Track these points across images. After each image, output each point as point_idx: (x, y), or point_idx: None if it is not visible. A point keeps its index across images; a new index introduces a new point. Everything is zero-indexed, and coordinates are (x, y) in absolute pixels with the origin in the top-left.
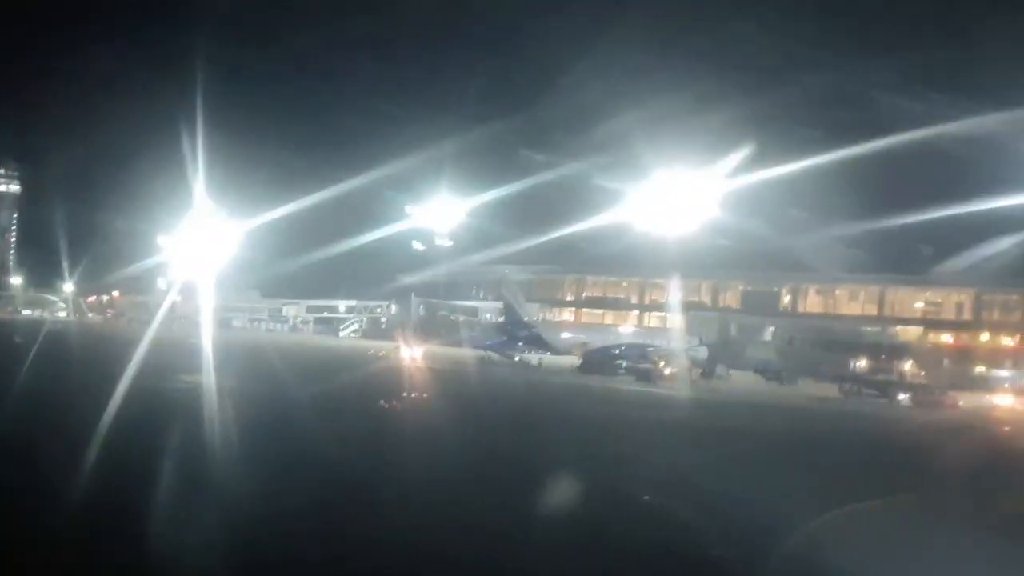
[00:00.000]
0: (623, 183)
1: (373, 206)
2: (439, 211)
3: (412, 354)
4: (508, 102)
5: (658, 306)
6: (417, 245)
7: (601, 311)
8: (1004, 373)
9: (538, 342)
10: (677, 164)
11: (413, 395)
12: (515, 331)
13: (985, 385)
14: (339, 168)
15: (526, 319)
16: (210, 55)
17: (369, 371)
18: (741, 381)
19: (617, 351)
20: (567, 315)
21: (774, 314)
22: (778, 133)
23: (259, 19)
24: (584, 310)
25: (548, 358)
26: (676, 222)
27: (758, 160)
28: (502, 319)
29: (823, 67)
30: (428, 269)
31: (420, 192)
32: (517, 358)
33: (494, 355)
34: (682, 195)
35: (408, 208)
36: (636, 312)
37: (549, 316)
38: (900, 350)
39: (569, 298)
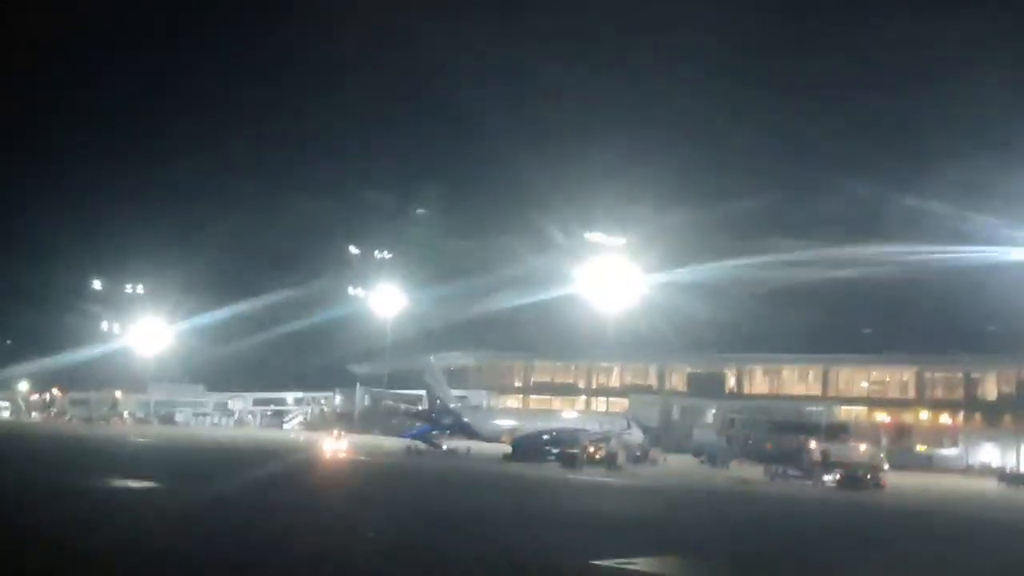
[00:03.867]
0: (571, 267)
1: (319, 296)
2: (385, 298)
3: (336, 446)
4: (453, 188)
5: (605, 390)
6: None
7: (548, 396)
8: (947, 452)
9: (465, 429)
10: (624, 249)
11: (298, 491)
12: (440, 418)
13: (928, 464)
14: (284, 258)
15: (452, 405)
16: (149, 143)
17: (275, 465)
18: (675, 464)
19: (547, 437)
20: (512, 401)
21: (719, 396)
22: (724, 216)
23: (201, 106)
24: (531, 396)
25: (479, 445)
26: (622, 306)
27: (706, 244)
28: (425, 407)
29: (763, 156)
30: (375, 359)
31: (366, 279)
32: (445, 446)
33: (420, 444)
34: (629, 279)
35: (351, 289)
36: (583, 396)
37: (495, 402)
38: (838, 429)
39: (516, 383)
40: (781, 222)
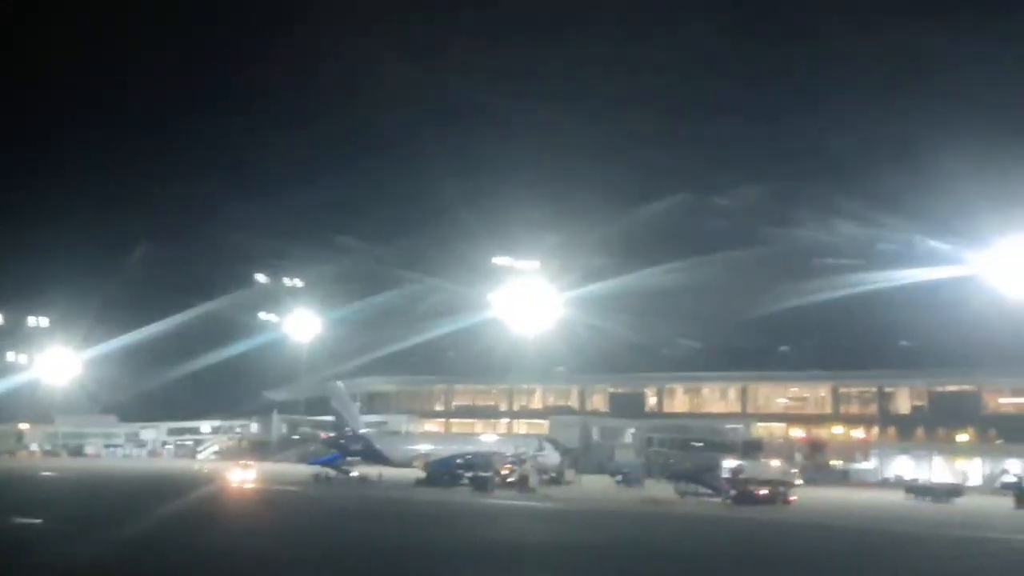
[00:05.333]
0: (489, 291)
1: (234, 323)
2: (301, 324)
3: (243, 477)
4: (367, 214)
5: (526, 412)
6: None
7: (470, 420)
8: (862, 465)
9: (376, 455)
10: (539, 271)
11: (182, 527)
12: (349, 444)
13: (844, 478)
14: (194, 285)
15: (362, 431)
16: (51, 167)
17: (173, 499)
18: (591, 485)
19: (461, 461)
20: (433, 426)
21: (640, 415)
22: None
23: (107, 131)
24: (453, 420)
25: (392, 471)
26: (542, 328)
27: (622, 263)
28: (333, 433)
29: (677, 175)
30: (292, 385)
31: (280, 305)
32: (355, 473)
33: (330, 471)
34: (546, 301)
35: (264, 315)
36: (505, 419)
37: (415, 427)
38: (752, 447)
39: (438, 408)
40: (696, 241)
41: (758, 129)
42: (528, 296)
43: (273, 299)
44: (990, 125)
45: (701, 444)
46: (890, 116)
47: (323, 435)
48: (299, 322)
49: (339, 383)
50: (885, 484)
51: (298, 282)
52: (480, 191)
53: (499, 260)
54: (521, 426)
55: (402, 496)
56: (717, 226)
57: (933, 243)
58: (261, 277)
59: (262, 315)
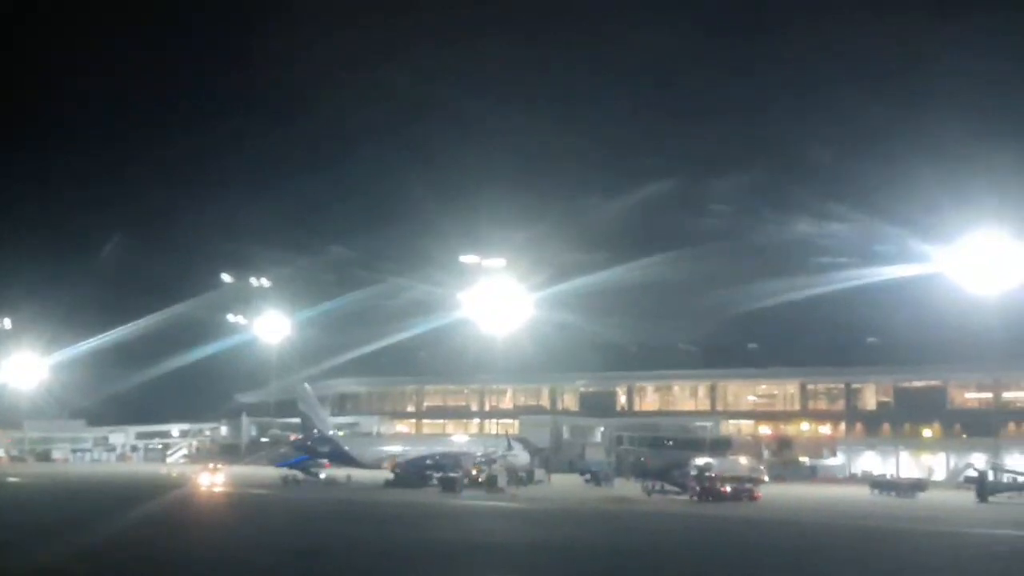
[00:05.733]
0: (459, 291)
1: (202, 325)
2: (271, 325)
3: (211, 480)
4: (342, 218)
5: (497, 412)
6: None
7: (441, 420)
8: (830, 462)
9: (344, 456)
10: (507, 270)
11: (139, 534)
12: (317, 446)
13: (812, 474)
14: (161, 287)
15: (330, 432)
16: (13, 168)
17: (136, 504)
18: (561, 484)
19: (429, 462)
20: (404, 426)
21: (610, 414)
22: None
23: (72, 128)
24: (424, 420)
25: (360, 473)
26: (512, 328)
27: (591, 260)
28: (301, 436)
29: (645, 171)
30: (263, 387)
31: (248, 306)
32: (323, 475)
33: (299, 474)
34: (516, 300)
35: (232, 317)
36: (476, 419)
37: (386, 428)
38: (721, 444)
39: (409, 408)
40: (663, 239)
41: (722, 126)
42: (497, 295)
43: (241, 300)
44: (954, 123)
45: (671, 442)
46: (854, 113)
47: (292, 437)
48: (268, 323)
49: (306, 385)
50: (852, 479)
51: (266, 283)
52: (447, 189)
53: (466, 258)
54: (492, 426)
55: (370, 497)
56: (684, 223)
57: (899, 240)
58: (228, 278)
59: (230, 317)
